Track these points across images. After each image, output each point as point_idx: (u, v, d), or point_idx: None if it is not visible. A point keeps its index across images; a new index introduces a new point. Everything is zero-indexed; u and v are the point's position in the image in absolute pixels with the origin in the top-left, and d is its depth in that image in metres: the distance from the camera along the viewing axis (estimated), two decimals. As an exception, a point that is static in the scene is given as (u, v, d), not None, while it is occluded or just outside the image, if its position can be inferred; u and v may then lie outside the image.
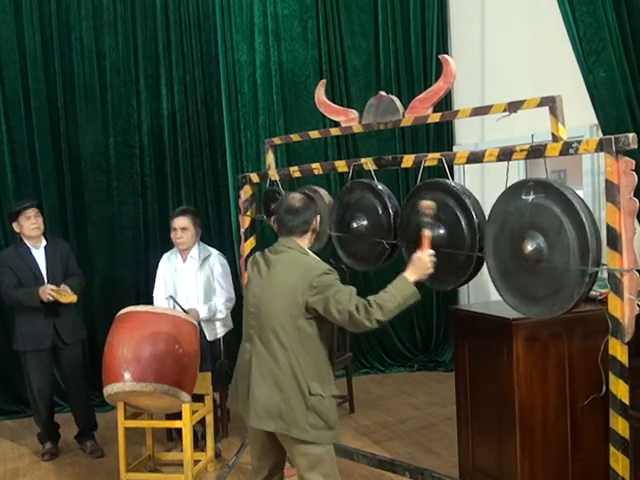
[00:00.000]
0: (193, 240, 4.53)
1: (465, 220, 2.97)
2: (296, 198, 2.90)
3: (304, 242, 2.88)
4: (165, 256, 4.70)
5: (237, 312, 5.36)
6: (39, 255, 4.57)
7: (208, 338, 4.50)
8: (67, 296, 4.43)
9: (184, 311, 4.20)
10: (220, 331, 4.60)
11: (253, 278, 2.92)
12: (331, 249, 4.20)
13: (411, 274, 2.77)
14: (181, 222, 4.47)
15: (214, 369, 4.47)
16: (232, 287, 4.62)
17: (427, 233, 2.84)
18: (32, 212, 4.53)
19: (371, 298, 2.70)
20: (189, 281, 4.55)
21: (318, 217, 2.94)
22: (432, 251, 2.81)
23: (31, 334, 4.49)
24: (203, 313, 4.43)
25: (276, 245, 2.90)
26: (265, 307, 2.78)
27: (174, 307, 4.28)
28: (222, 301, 4.53)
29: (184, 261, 4.57)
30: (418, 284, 2.79)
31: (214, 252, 4.64)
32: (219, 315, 4.52)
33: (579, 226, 2.51)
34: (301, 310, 2.72)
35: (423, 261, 2.78)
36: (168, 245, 4.80)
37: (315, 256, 2.88)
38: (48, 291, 4.35)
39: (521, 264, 2.71)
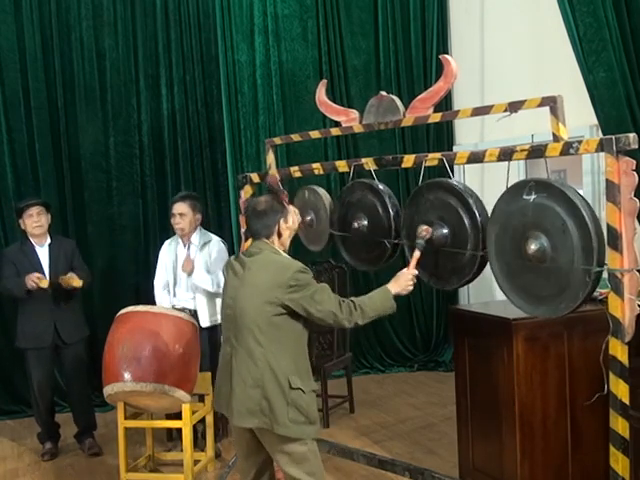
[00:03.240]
0: (192, 226, 4.51)
1: (468, 219, 2.96)
2: (261, 201, 2.93)
3: (275, 245, 2.90)
4: (166, 242, 4.71)
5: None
6: (43, 253, 4.58)
7: (208, 323, 4.44)
8: (72, 279, 4.43)
9: None
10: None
11: (229, 280, 2.95)
12: (330, 249, 4.22)
13: (393, 287, 2.93)
14: (179, 208, 4.48)
15: (214, 368, 4.47)
16: (220, 272, 4.57)
17: (416, 254, 3.01)
18: (35, 210, 4.54)
19: (356, 301, 2.84)
20: None
21: (283, 221, 2.90)
22: (415, 271, 2.99)
23: (32, 332, 4.49)
24: (208, 284, 4.40)
25: (250, 248, 2.95)
26: (240, 307, 2.81)
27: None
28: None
29: (185, 246, 4.55)
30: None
31: (215, 238, 4.62)
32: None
33: (582, 226, 2.50)
34: (275, 307, 2.74)
35: (406, 278, 2.96)
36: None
37: (287, 256, 2.91)
38: (32, 277, 4.34)
39: (525, 264, 2.70)
